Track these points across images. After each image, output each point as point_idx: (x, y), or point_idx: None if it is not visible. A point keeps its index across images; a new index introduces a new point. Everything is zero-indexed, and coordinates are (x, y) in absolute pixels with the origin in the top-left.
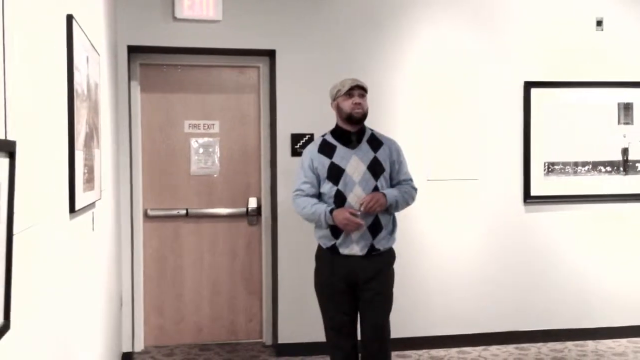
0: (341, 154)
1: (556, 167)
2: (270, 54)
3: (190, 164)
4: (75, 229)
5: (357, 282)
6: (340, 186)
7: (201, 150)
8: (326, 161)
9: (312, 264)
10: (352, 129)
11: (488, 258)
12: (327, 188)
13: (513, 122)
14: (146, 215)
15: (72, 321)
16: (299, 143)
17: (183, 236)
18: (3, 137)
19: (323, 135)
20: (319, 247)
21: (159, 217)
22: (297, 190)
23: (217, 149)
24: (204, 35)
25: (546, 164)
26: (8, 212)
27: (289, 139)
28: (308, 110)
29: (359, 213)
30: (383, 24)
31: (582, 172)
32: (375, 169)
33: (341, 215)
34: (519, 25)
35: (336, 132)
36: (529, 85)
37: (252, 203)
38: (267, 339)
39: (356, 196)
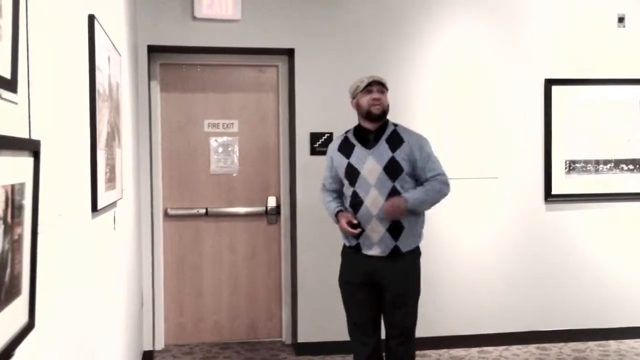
0: (358, 154)
1: (577, 165)
2: (289, 53)
3: (209, 163)
4: (97, 228)
5: (379, 283)
6: (357, 188)
7: (220, 150)
8: (344, 161)
9: (332, 263)
10: (371, 127)
11: (508, 257)
12: (346, 188)
13: (534, 120)
14: (166, 215)
15: (95, 320)
16: (318, 142)
17: (203, 235)
18: (27, 137)
19: (347, 132)
20: (343, 245)
21: (178, 216)
22: (322, 182)
23: (236, 148)
24: (223, 35)
25: (567, 162)
26: (33, 211)
27: (308, 138)
28: (327, 109)
29: (355, 222)
30: (403, 22)
31: (604, 170)
32: (392, 169)
33: (340, 222)
34: (539, 22)
35: (357, 131)
36: (549, 83)
37: (271, 202)
38: (286, 337)
39: (372, 199)
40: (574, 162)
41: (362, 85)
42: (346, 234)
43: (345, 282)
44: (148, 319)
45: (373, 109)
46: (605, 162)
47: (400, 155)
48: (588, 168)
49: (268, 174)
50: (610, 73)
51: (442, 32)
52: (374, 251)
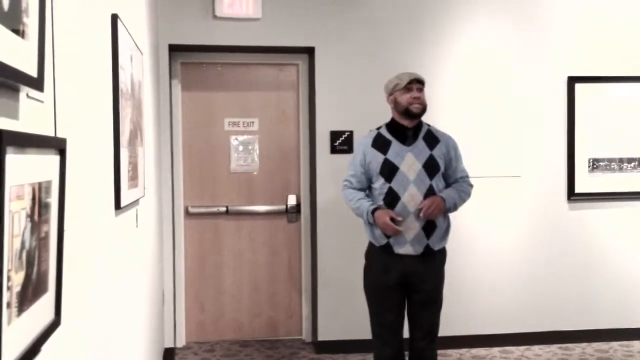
0: (396, 150)
1: (601, 163)
2: (310, 52)
3: (230, 162)
4: (120, 226)
5: (410, 282)
6: (393, 184)
7: (241, 148)
8: (380, 157)
9: (352, 261)
10: (409, 124)
11: (531, 256)
12: (379, 184)
13: (556, 118)
14: (187, 212)
15: (118, 317)
16: (338, 140)
17: (223, 233)
18: (53, 135)
19: (378, 129)
20: (370, 244)
21: (199, 214)
22: (345, 180)
23: (256, 147)
24: (244, 34)
25: (591, 160)
26: (59, 209)
27: (328, 136)
28: (347, 108)
29: (399, 219)
30: (423, 20)
31: (628, 168)
32: (430, 167)
33: (382, 219)
34: (562, 19)
35: (392, 127)
36: (572, 81)
37: (292, 200)
38: (306, 336)
39: (410, 195)
40: (597, 160)
41: (403, 83)
42: (386, 232)
43: (377, 285)
44: (169, 316)
45: (413, 107)
46: (630, 160)
47: (437, 153)
48: (612, 166)
49: (288, 172)
50: (633, 70)
51: (464, 30)
52: (407, 250)
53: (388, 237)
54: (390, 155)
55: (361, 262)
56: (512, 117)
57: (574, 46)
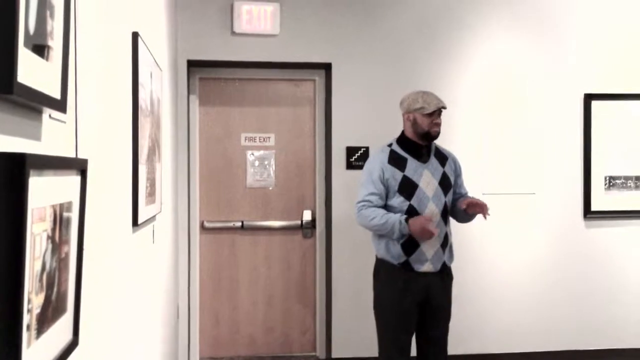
0: (413, 167)
1: (617, 181)
2: (327, 67)
3: (246, 177)
4: (137, 243)
5: (429, 300)
6: (413, 201)
7: (257, 163)
8: (398, 174)
9: (367, 277)
10: (422, 143)
11: (547, 275)
12: (398, 202)
13: (573, 135)
14: (202, 227)
15: (133, 333)
16: (354, 156)
17: (238, 248)
18: (74, 156)
19: (389, 145)
20: (382, 263)
21: (215, 229)
22: (363, 201)
23: (272, 162)
24: (262, 49)
25: (607, 178)
26: (79, 229)
27: (344, 152)
28: (364, 123)
29: (433, 219)
30: (440, 37)
31: None
32: (445, 184)
33: (418, 224)
34: (579, 37)
35: (405, 143)
36: (589, 98)
37: (307, 216)
38: (320, 352)
39: (430, 212)
40: (613, 178)
41: (429, 109)
42: (423, 237)
43: (396, 306)
44: (184, 330)
45: (433, 132)
46: None
47: (448, 170)
48: (628, 184)
49: (304, 187)
50: None
51: (480, 47)
52: (428, 267)
53: (408, 255)
54: (409, 172)
55: None
56: (528, 133)
57: (590, 63)
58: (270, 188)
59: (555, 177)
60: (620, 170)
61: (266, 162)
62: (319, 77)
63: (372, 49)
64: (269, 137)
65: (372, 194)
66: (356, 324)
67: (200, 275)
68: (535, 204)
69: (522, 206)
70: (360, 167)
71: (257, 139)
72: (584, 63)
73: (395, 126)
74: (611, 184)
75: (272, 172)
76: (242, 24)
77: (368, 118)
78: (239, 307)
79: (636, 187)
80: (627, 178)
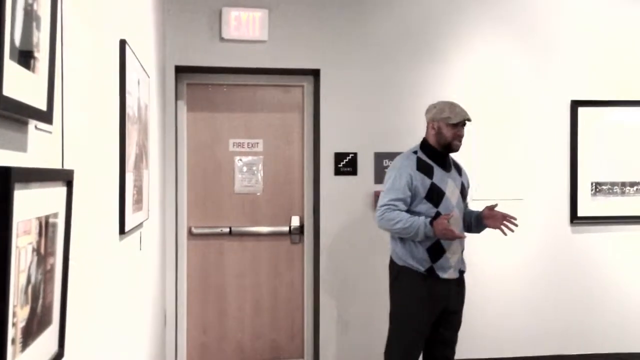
0: (439, 175)
1: (604, 187)
2: (315, 73)
3: (234, 182)
4: (125, 250)
5: (448, 305)
6: (440, 208)
7: (245, 169)
8: (427, 181)
9: (355, 283)
10: (444, 152)
11: (534, 280)
12: (425, 208)
13: (559, 141)
14: (190, 233)
15: (119, 341)
16: (342, 162)
17: (226, 254)
18: (60, 167)
19: (415, 152)
20: (406, 271)
21: (202, 235)
22: (387, 204)
23: (260, 168)
24: (250, 56)
25: (593, 184)
26: (65, 240)
27: (332, 158)
28: (352, 130)
29: (453, 215)
30: (427, 43)
31: (631, 192)
32: (463, 194)
33: (441, 225)
34: (566, 43)
35: (431, 152)
36: (576, 104)
37: (295, 221)
38: (308, 358)
39: (455, 220)
40: (600, 184)
41: (455, 120)
42: (447, 237)
43: (422, 315)
44: (171, 337)
45: (454, 145)
46: (632, 184)
47: (464, 180)
48: (614, 190)
49: (292, 193)
50: (637, 94)
51: (467, 54)
52: (451, 274)
53: (433, 261)
54: (436, 179)
55: (364, 284)
56: (515, 139)
57: (577, 70)
58: (259, 194)
59: (542, 183)
60: (606, 176)
61: (254, 168)
62: (307, 83)
63: (360, 55)
64: (257, 143)
65: (398, 199)
66: (344, 330)
67: (187, 282)
68: (522, 210)
69: (510, 212)
70: (349, 173)
71: (246, 145)
72: (571, 70)
73: (384, 132)
74: (597, 189)
75: (260, 178)
76: (231, 30)
77: (356, 124)
78: (227, 313)
79: (622, 193)
80: (613, 184)
